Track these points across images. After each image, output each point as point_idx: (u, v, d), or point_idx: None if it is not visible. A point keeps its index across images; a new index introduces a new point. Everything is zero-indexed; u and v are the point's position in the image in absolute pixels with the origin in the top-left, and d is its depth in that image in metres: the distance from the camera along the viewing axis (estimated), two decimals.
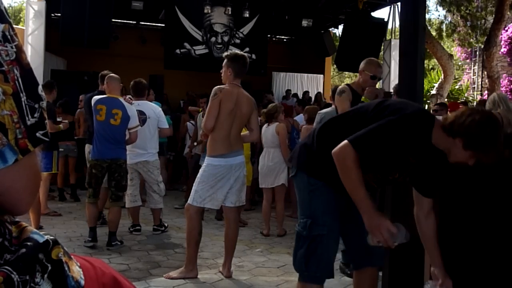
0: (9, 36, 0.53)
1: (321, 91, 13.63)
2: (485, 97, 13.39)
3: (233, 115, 3.80)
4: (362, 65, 3.99)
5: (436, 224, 2.30)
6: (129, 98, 5.04)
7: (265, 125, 5.79)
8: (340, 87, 4.10)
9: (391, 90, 10.34)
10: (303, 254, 2.40)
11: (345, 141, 2.06)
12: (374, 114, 2.15)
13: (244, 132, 4.12)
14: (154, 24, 13.94)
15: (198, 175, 3.88)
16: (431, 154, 2.11)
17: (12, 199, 0.54)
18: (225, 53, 3.99)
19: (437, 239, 2.32)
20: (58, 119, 6.07)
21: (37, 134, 0.54)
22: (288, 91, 13.33)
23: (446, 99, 12.35)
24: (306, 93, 13.06)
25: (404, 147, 2.11)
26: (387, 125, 2.05)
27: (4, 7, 0.53)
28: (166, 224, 5.58)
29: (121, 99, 4.76)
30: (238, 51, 4.19)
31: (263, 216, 5.65)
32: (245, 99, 3.87)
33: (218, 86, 3.84)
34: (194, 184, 3.90)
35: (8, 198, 0.53)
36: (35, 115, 0.54)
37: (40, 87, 0.56)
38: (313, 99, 12.46)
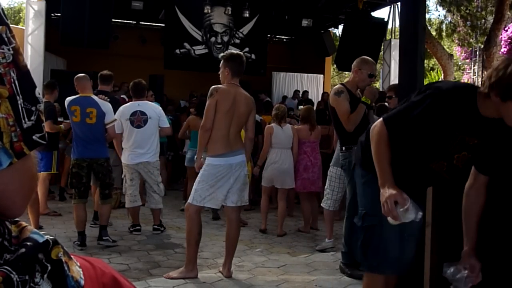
0: (6, 38, 0.52)
1: (320, 91, 13.66)
2: None
3: (230, 115, 3.79)
4: (357, 64, 4.02)
5: (483, 202, 2.17)
6: (103, 96, 5.06)
7: (273, 125, 5.75)
8: (336, 87, 4.08)
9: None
10: (360, 245, 2.41)
11: (381, 119, 2.13)
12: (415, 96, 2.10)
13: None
14: (154, 24, 13.96)
15: (199, 174, 3.87)
16: (489, 128, 1.97)
17: (5, 202, 0.53)
18: (221, 54, 3.99)
19: (479, 218, 2.18)
20: (60, 119, 6.08)
21: (34, 137, 0.54)
22: (296, 91, 13.28)
23: None
24: (305, 92, 13.05)
25: (445, 125, 2.01)
26: (417, 103, 2.01)
27: (2, 9, 0.53)
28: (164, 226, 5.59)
29: (94, 96, 4.74)
30: (233, 51, 4.19)
31: (262, 213, 5.67)
32: (243, 98, 3.87)
33: (215, 86, 3.82)
34: (194, 184, 3.89)
35: (1, 202, 0.53)
36: (32, 118, 0.54)
37: (37, 90, 0.56)
38: (318, 99, 12.43)
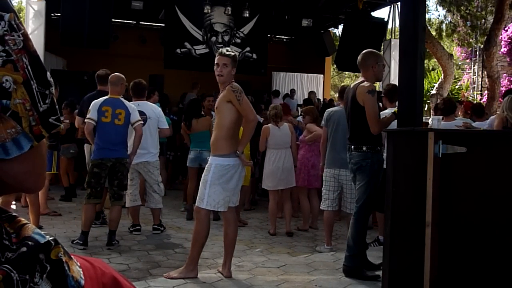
0: (15, 25, 0.53)
1: (320, 91, 13.65)
2: (485, 97, 13.40)
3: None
4: (372, 59, 4.00)
5: None
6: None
7: (270, 125, 5.70)
8: (368, 85, 3.92)
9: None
10: None
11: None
12: None
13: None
14: (154, 24, 13.96)
15: (206, 177, 3.79)
16: None
17: (30, 181, 0.56)
18: (228, 52, 3.84)
19: None
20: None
21: (50, 120, 0.56)
22: (292, 90, 13.28)
23: None
24: (311, 93, 12.73)
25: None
26: None
27: None
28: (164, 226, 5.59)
29: (122, 98, 4.79)
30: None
31: (270, 216, 5.61)
32: None
33: (237, 84, 3.78)
34: (202, 186, 3.81)
35: (27, 182, 0.56)
36: (47, 101, 0.55)
37: (48, 73, 0.57)
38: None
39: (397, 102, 4.66)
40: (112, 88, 4.78)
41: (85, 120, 4.72)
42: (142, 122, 4.91)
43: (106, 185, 4.78)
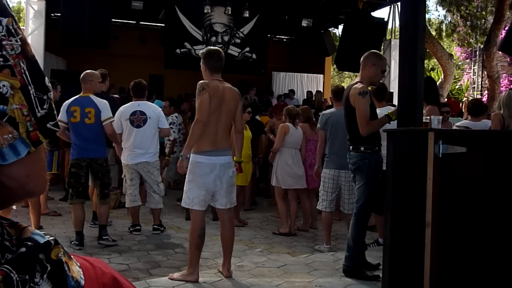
0: (13, 30, 0.53)
1: (321, 91, 13.64)
2: (485, 97, 13.40)
3: (219, 111, 3.69)
4: (371, 59, 3.96)
5: None
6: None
7: (289, 124, 5.65)
8: (360, 86, 3.88)
9: (392, 90, 10.33)
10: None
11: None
12: None
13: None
14: (154, 24, 13.97)
15: (187, 174, 3.77)
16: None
17: (31, 185, 0.56)
18: (201, 51, 3.91)
19: None
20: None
21: (48, 125, 0.55)
22: (291, 90, 13.30)
23: (446, 99, 12.35)
24: (309, 93, 12.92)
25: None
26: None
27: (6, 1, 0.54)
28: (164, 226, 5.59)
29: (92, 96, 4.71)
30: (212, 47, 4.10)
31: (283, 217, 5.58)
32: (231, 93, 3.79)
33: (203, 81, 3.70)
34: (185, 184, 3.82)
35: (29, 185, 0.56)
36: (45, 106, 0.55)
37: (46, 78, 0.57)
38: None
39: (387, 102, 4.69)
40: (82, 86, 4.73)
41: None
42: (113, 119, 4.82)
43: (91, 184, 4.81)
